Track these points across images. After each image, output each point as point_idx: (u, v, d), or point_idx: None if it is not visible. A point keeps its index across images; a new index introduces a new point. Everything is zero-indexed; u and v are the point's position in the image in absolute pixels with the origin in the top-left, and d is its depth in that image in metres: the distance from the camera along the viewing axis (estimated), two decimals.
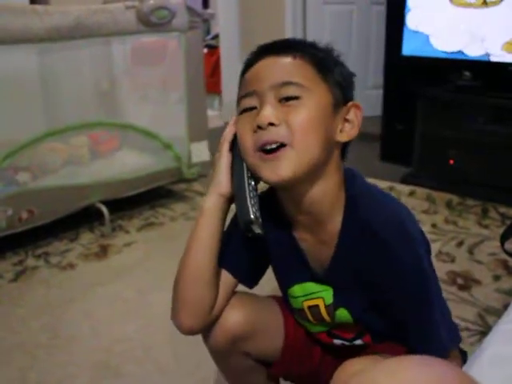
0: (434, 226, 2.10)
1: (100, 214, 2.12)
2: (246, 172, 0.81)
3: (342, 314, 0.86)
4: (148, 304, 1.62)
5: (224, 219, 0.86)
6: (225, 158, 0.84)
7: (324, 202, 0.80)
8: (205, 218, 0.84)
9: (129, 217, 2.28)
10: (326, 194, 0.80)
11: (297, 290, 0.89)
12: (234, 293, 0.92)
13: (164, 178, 2.35)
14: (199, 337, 0.93)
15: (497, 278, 1.70)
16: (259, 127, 0.74)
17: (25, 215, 1.91)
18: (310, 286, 0.87)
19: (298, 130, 0.74)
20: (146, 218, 2.28)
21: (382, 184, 2.50)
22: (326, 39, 0.82)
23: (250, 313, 0.91)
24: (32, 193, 1.95)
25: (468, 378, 0.47)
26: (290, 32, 3.54)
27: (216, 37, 4.41)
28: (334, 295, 0.85)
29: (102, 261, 1.91)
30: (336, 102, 0.78)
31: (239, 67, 0.84)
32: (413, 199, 2.39)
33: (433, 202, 2.36)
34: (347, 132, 0.80)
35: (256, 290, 0.96)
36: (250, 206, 0.79)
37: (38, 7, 1.88)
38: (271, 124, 0.74)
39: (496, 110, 2.34)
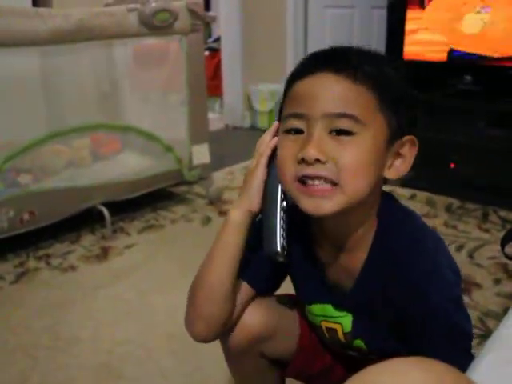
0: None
1: (101, 216, 2.13)
2: (280, 196, 0.77)
3: (359, 343, 0.84)
4: (149, 306, 1.63)
5: (247, 233, 0.82)
6: (260, 174, 0.80)
7: (358, 232, 0.76)
8: (231, 229, 0.81)
9: (130, 219, 2.29)
10: (361, 224, 0.76)
11: (316, 309, 0.87)
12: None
13: (165, 180, 2.35)
14: None
15: (497, 281, 1.70)
16: (303, 160, 0.69)
17: (26, 217, 1.92)
18: (330, 310, 0.85)
19: (347, 171, 0.68)
20: (146, 220, 2.29)
21: (383, 188, 2.50)
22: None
23: (270, 313, 0.90)
24: (33, 195, 1.95)
25: (466, 381, 0.47)
26: (291, 35, 3.56)
27: (218, 40, 4.43)
28: (353, 324, 0.83)
29: (102, 263, 1.92)
30: (392, 136, 0.71)
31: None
32: (413, 203, 2.40)
33: (433, 206, 2.36)
34: (397, 168, 0.74)
35: None
36: (279, 236, 0.76)
37: (41, 10, 1.89)
38: (318, 160, 0.68)
39: (496, 113, 2.35)
